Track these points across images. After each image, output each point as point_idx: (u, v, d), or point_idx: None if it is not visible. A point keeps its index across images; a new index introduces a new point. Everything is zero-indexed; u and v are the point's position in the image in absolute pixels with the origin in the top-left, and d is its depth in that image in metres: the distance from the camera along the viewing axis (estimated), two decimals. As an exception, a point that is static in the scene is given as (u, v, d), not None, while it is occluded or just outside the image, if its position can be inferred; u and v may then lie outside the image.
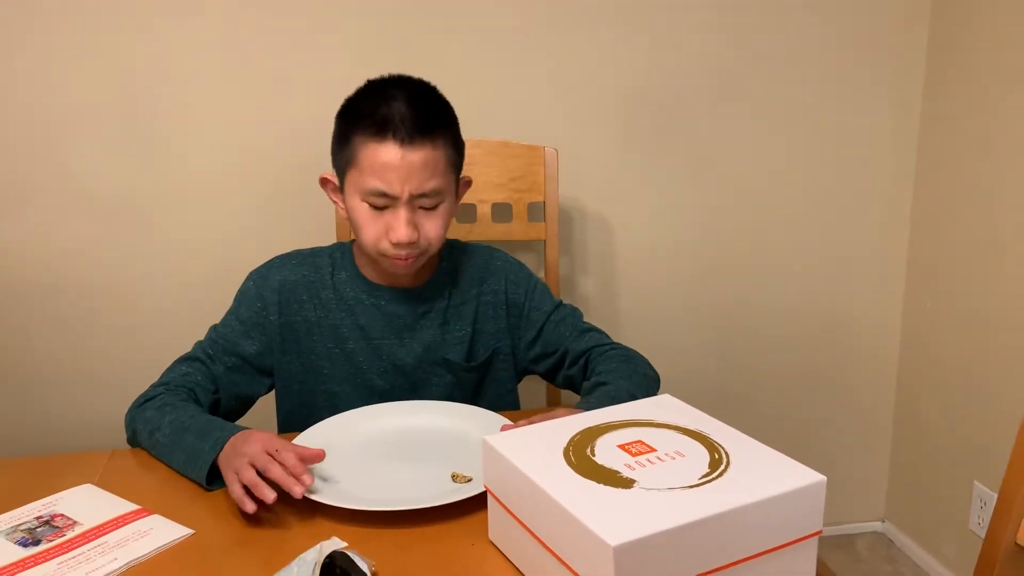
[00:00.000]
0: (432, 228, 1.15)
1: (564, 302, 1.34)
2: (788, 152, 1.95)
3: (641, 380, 1.19)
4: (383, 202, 1.12)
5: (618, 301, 1.96)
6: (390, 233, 1.13)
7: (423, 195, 1.12)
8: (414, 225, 1.13)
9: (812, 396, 2.11)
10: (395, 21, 1.71)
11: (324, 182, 1.24)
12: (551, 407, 1.45)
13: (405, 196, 1.11)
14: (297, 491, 0.92)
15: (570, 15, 1.77)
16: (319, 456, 0.97)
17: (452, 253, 1.30)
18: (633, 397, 1.09)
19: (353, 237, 1.26)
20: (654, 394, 1.17)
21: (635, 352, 1.26)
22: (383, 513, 0.92)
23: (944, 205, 1.93)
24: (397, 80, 1.16)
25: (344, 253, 1.28)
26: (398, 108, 1.10)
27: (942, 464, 2.00)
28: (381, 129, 1.09)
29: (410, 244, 1.13)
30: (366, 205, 1.13)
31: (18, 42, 1.61)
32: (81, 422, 1.77)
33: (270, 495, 0.92)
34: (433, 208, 1.15)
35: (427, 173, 1.11)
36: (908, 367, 2.10)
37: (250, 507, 0.93)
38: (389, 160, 1.09)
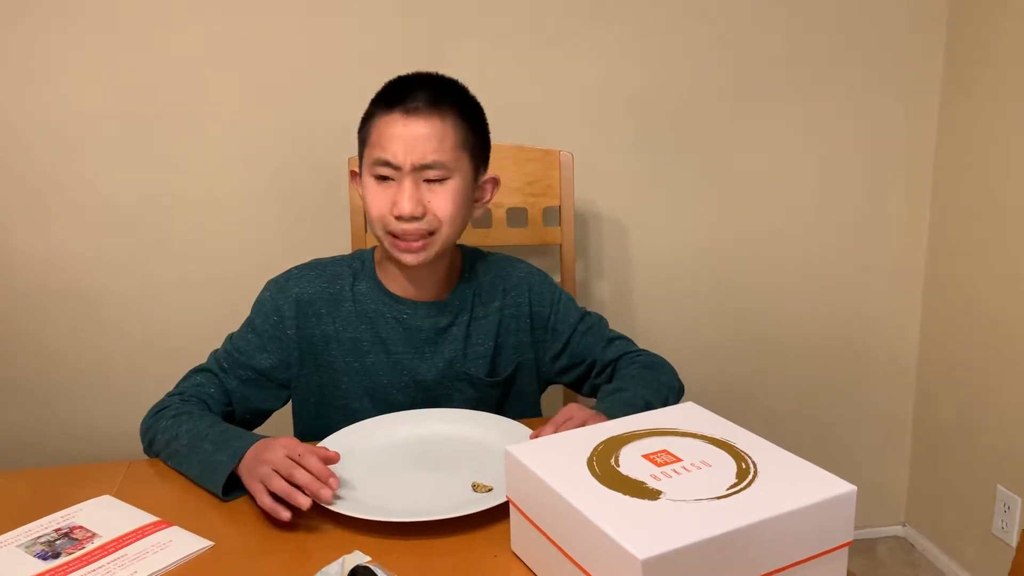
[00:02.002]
0: (440, 205, 1.12)
1: (588, 310, 1.32)
2: (805, 155, 1.93)
3: (660, 388, 1.18)
4: (387, 171, 1.10)
5: (634, 305, 1.94)
6: (395, 207, 1.10)
7: (427, 166, 1.10)
8: (418, 200, 1.10)
9: (831, 399, 2.09)
10: (409, 25, 1.71)
11: (353, 176, 1.23)
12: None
13: (408, 166, 1.09)
14: (326, 494, 0.92)
15: (585, 19, 1.76)
16: (335, 457, 0.97)
17: (473, 264, 1.27)
18: (649, 405, 1.08)
19: (371, 244, 1.24)
20: (673, 403, 1.16)
21: (662, 360, 1.25)
22: (404, 523, 0.91)
23: (963, 208, 1.91)
24: (426, 72, 1.16)
25: (364, 263, 1.25)
26: (411, 85, 1.11)
27: (964, 467, 1.97)
28: (391, 102, 1.10)
29: (414, 218, 1.10)
30: (373, 180, 1.12)
31: (35, 51, 1.61)
32: (98, 429, 1.77)
33: (305, 502, 0.91)
34: (440, 183, 1.12)
35: (432, 144, 1.09)
36: (928, 369, 2.08)
37: (286, 515, 0.92)
38: (394, 129, 1.09)
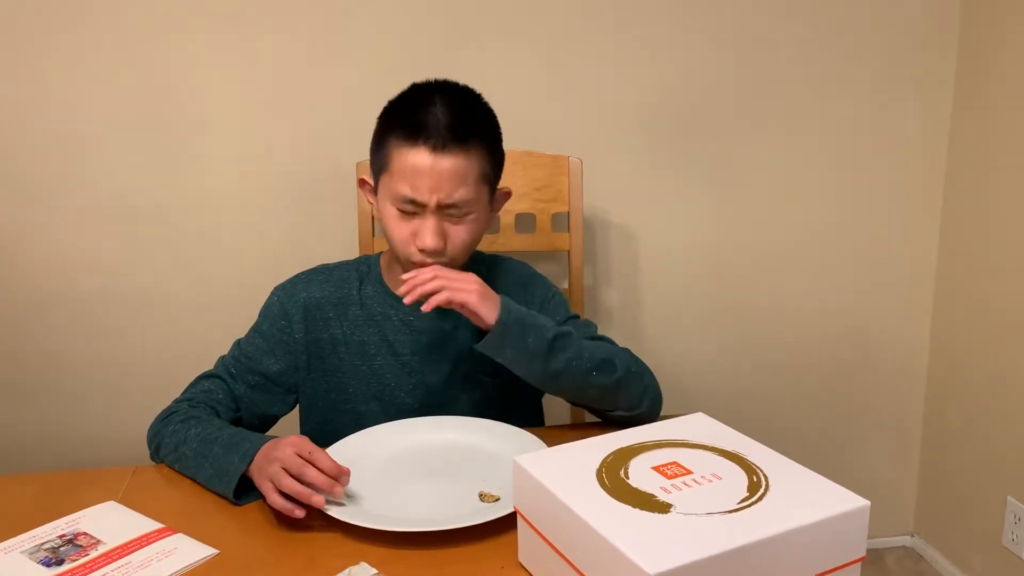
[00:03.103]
0: (459, 239, 1.13)
1: (583, 317, 1.31)
2: (815, 162, 1.92)
3: (609, 357, 1.13)
4: (411, 208, 1.10)
5: (643, 311, 1.93)
6: (417, 239, 1.11)
7: (451, 205, 1.10)
8: (441, 234, 1.11)
9: (840, 407, 2.08)
10: (419, 30, 1.70)
11: (363, 183, 1.23)
12: (577, 423, 1.44)
13: (433, 204, 1.09)
14: (338, 491, 0.92)
15: (595, 25, 1.76)
16: (346, 471, 0.96)
17: (477, 267, 1.26)
18: (588, 356, 1.09)
19: (376, 250, 1.24)
20: (626, 388, 1.14)
21: (639, 362, 1.19)
22: (410, 532, 0.90)
23: (974, 212, 1.90)
24: (440, 85, 1.13)
25: (371, 267, 1.26)
26: (433, 113, 1.08)
27: (973, 478, 1.96)
28: (413, 134, 1.07)
29: (436, 252, 1.11)
30: (395, 210, 1.11)
31: (43, 53, 1.61)
32: (104, 434, 1.76)
33: (319, 501, 0.92)
34: (461, 219, 1.12)
35: (457, 182, 1.09)
36: (937, 377, 2.07)
37: (300, 513, 0.92)
38: (419, 166, 1.07)
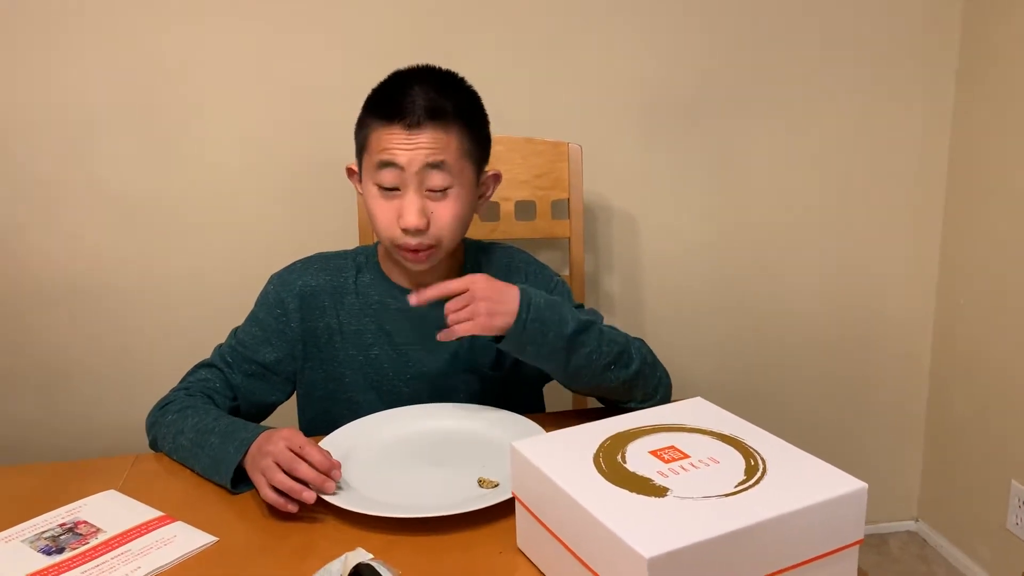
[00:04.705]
0: (443, 217, 1.11)
1: (587, 306, 1.30)
2: (817, 150, 1.91)
3: (627, 349, 1.11)
4: (390, 181, 1.09)
5: (643, 299, 1.93)
6: (400, 219, 1.10)
7: (432, 172, 1.09)
8: (423, 212, 1.09)
9: (843, 393, 2.07)
10: (418, 18, 1.69)
11: (351, 173, 1.22)
12: (577, 409, 1.43)
13: (412, 178, 1.08)
14: (329, 487, 0.93)
15: (595, 12, 1.74)
16: (336, 465, 0.96)
17: (476, 256, 1.27)
18: (607, 349, 1.08)
19: (376, 240, 1.23)
20: (643, 380, 1.13)
21: (652, 353, 1.19)
22: (408, 519, 0.90)
23: (977, 201, 1.88)
24: (420, 69, 1.13)
25: (368, 256, 1.25)
26: (411, 95, 1.08)
27: (978, 462, 1.95)
28: (390, 114, 1.08)
29: (418, 231, 1.10)
30: (376, 189, 1.11)
31: (42, 46, 1.61)
32: (104, 424, 1.77)
33: (310, 497, 0.92)
34: (443, 194, 1.11)
35: (436, 151, 1.08)
36: (942, 363, 2.06)
37: (292, 508, 0.93)
38: (395, 143, 1.07)
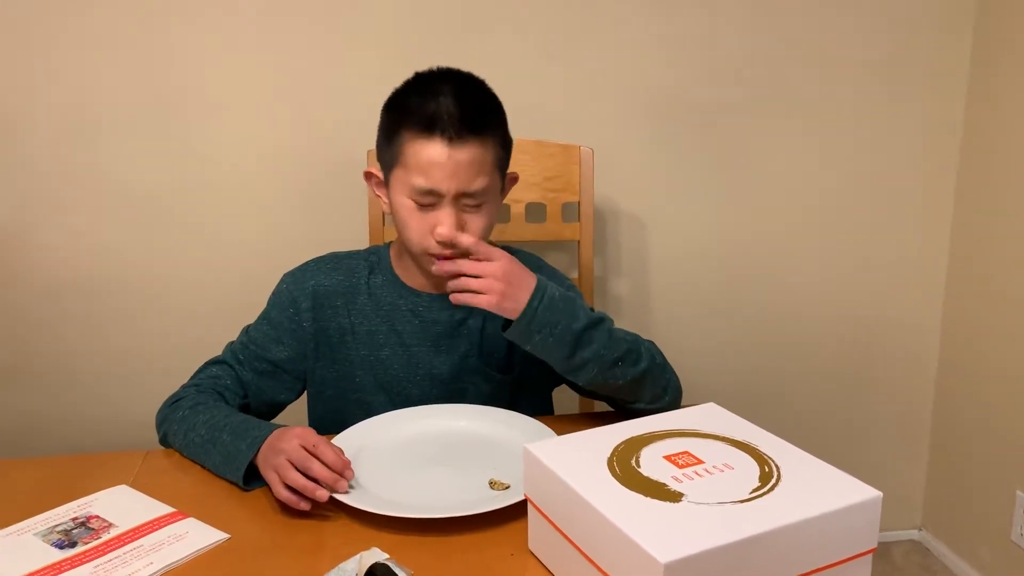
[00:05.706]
0: (476, 227, 1.12)
1: (596, 309, 1.30)
2: (826, 153, 1.91)
3: (635, 348, 1.11)
4: (429, 200, 1.10)
5: (652, 302, 1.93)
6: (435, 231, 1.10)
7: (469, 194, 1.09)
8: (460, 223, 1.10)
9: (848, 399, 2.07)
10: (429, 19, 1.70)
11: (368, 176, 1.22)
12: (586, 412, 1.43)
13: (451, 194, 1.08)
14: (342, 486, 0.93)
15: (606, 15, 1.75)
16: (347, 463, 0.97)
17: None
18: (615, 347, 1.07)
19: (387, 240, 1.23)
20: (651, 380, 1.12)
21: (661, 354, 1.18)
22: (420, 519, 0.91)
23: (986, 206, 1.88)
24: (445, 73, 1.13)
25: (381, 257, 1.25)
26: (446, 104, 1.07)
27: (982, 472, 1.95)
28: (428, 126, 1.07)
29: (454, 243, 1.10)
30: (411, 203, 1.11)
31: (51, 42, 1.61)
32: (115, 418, 1.77)
33: (323, 495, 0.92)
34: (477, 207, 1.12)
35: (473, 172, 1.08)
36: (947, 371, 2.06)
37: (305, 506, 0.93)
38: (436, 158, 1.07)
